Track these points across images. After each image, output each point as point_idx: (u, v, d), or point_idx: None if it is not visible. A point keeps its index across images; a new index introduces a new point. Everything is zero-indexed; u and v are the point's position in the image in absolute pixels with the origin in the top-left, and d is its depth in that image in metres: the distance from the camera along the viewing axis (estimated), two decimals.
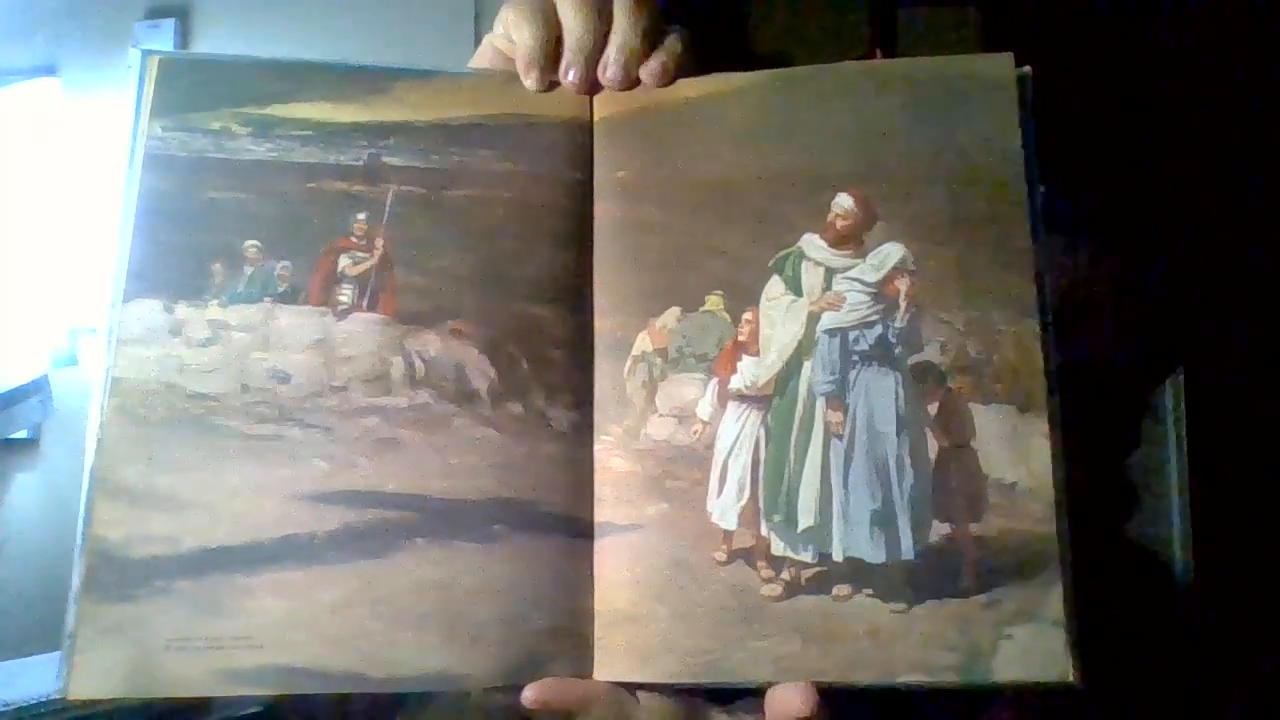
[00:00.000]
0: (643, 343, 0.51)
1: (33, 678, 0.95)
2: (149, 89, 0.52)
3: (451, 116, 0.54)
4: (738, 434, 0.50)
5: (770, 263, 0.51)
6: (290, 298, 0.51)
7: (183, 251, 0.51)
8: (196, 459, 0.48)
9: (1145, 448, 0.95)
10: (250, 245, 0.51)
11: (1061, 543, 0.47)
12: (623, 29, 0.53)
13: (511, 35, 0.55)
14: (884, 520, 0.48)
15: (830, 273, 0.51)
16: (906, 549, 0.48)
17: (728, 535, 0.49)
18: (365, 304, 0.52)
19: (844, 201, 0.52)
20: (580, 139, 0.54)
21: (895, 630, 0.46)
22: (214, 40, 1.71)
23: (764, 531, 0.49)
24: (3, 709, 0.88)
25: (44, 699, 0.90)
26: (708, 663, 0.47)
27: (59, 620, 0.46)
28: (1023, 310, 0.49)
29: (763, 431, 0.50)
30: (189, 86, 0.53)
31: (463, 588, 0.47)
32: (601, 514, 0.49)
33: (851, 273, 0.51)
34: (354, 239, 0.52)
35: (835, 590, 0.48)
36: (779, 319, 0.51)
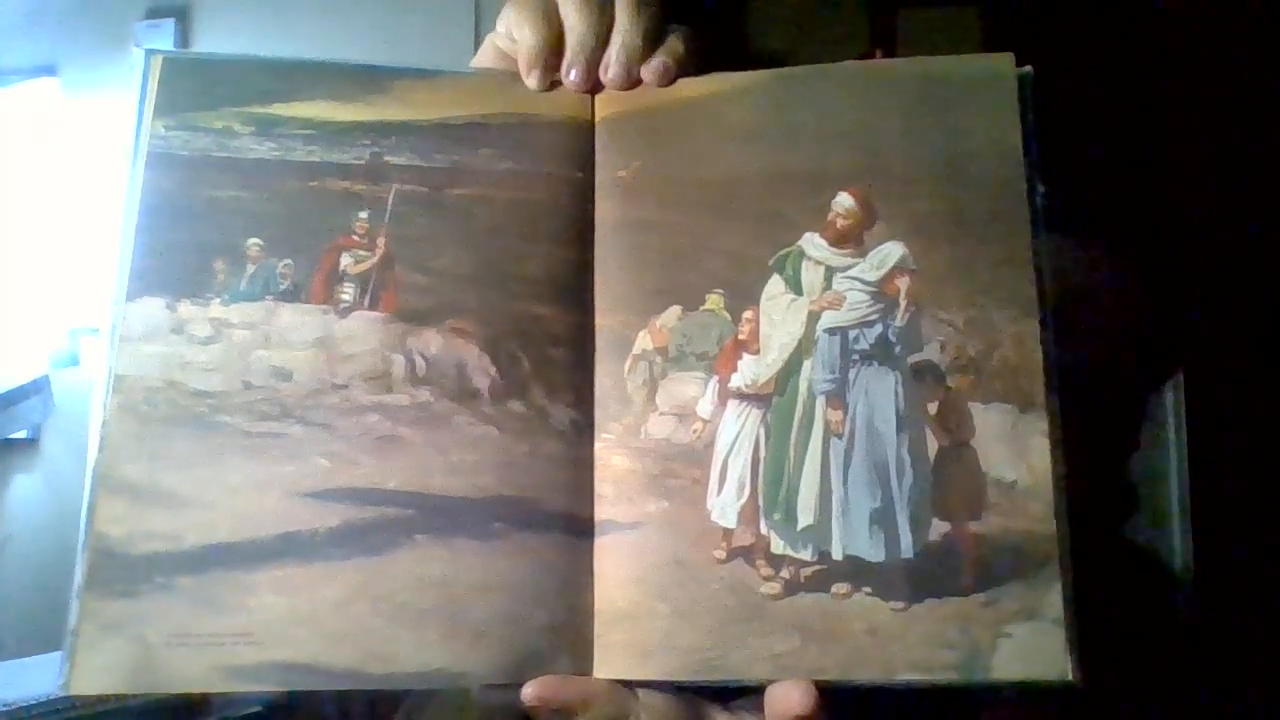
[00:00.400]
0: (643, 341, 0.51)
1: (33, 678, 0.95)
2: (152, 88, 0.53)
3: (453, 116, 0.54)
4: (738, 432, 0.50)
5: (770, 262, 0.52)
6: (292, 296, 0.51)
7: (185, 250, 0.51)
8: (198, 456, 0.48)
9: (1145, 448, 0.95)
10: (252, 243, 0.51)
11: (1061, 542, 0.47)
12: (624, 29, 0.53)
13: (513, 35, 0.55)
14: (883, 519, 0.48)
15: (830, 272, 0.51)
16: (906, 547, 0.48)
17: (728, 533, 0.49)
18: (367, 302, 0.52)
19: (844, 201, 0.52)
20: (581, 138, 0.54)
21: (894, 628, 0.47)
22: (214, 40, 1.71)
23: (764, 530, 0.49)
24: (3, 709, 0.88)
25: (44, 699, 0.90)
26: (707, 660, 0.47)
27: (59, 620, 0.46)
28: (1023, 309, 0.49)
29: (763, 430, 0.50)
30: (191, 86, 0.53)
31: (463, 585, 0.48)
32: (602, 512, 0.49)
33: (852, 272, 0.51)
34: (356, 237, 0.52)
35: (835, 588, 0.48)
36: (779, 318, 0.51)
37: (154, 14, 1.72)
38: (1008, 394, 0.49)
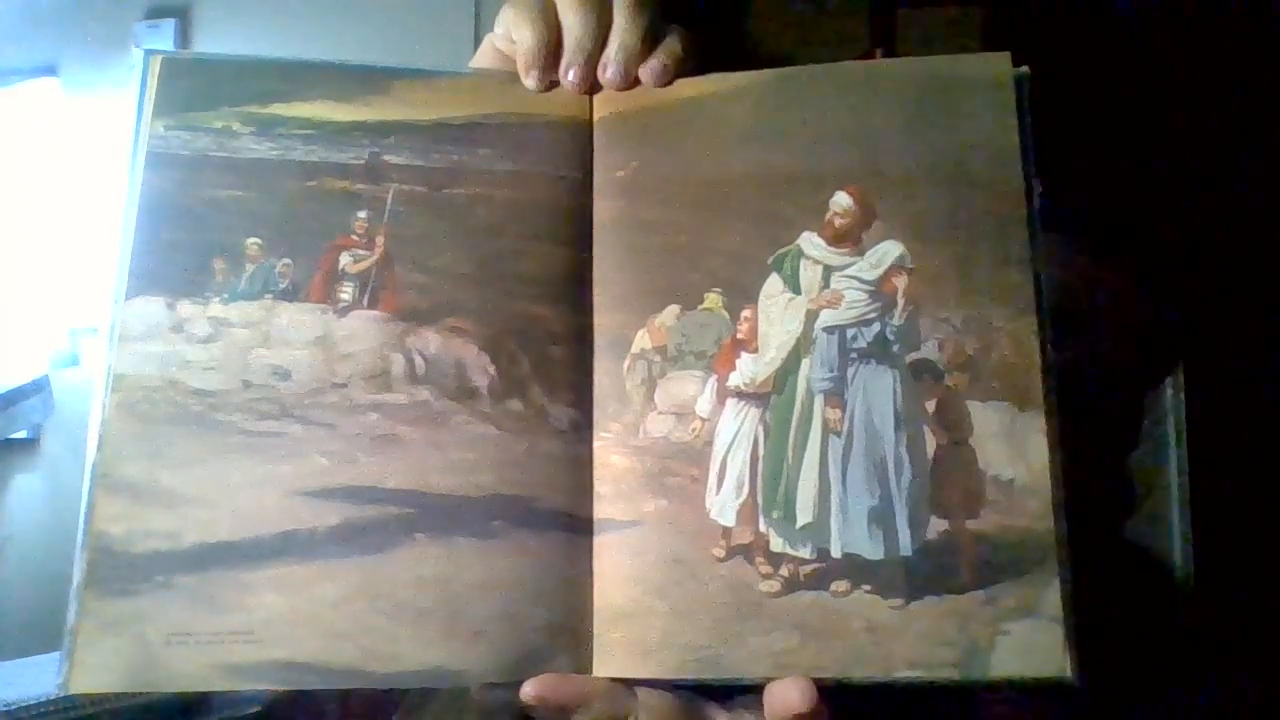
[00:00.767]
0: (642, 340, 0.51)
1: (33, 678, 0.95)
2: (151, 88, 0.53)
3: (452, 116, 0.54)
4: (736, 431, 0.50)
5: (769, 261, 0.52)
6: (291, 295, 0.52)
7: (185, 249, 0.51)
8: (198, 455, 0.48)
9: (1145, 447, 0.95)
10: (252, 243, 0.52)
11: (1059, 539, 0.47)
12: (622, 29, 0.54)
13: (512, 35, 0.55)
14: (882, 517, 0.48)
15: (828, 270, 0.51)
16: (905, 545, 0.48)
17: (726, 532, 0.49)
18: (366, 301, 0.52)
19: (842, 200, 0.52)
20: (580, 138, 0.54)
21: (893, 626, 0.47)
22: (213, 40, 1.71)
23: (762, 528, 0.49)
24: (3, 709, 0.89)
25: (44, 699, 0.90)
26: (706, 659, 0.47)
27: (59, 620, 0.46)
28: (1020, 308, 0.50)
29: (761, 428, 0.50)
30: (191, 86, 0.53)
31: (462, 583, 0.48)
32: (601, 510, 0.50)
33: (850, 270, 0.51)
34: (355, 237, 0.52)
35: (834, 586, 0.48)
36: (778, 316, 0.51)
37: (154, 14, 1.72)
38: (1006, 392, 0.49)
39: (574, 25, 0.54)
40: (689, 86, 0.54)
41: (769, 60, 0.55)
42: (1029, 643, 0.46)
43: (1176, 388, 0.93)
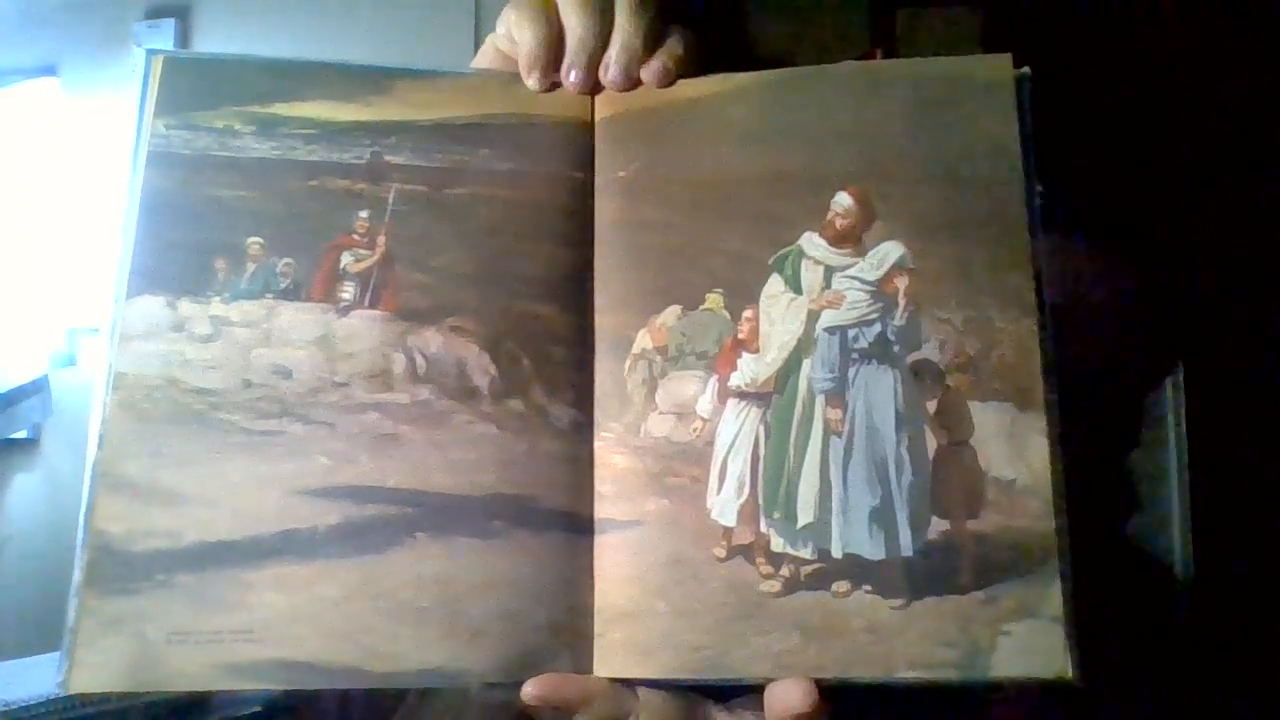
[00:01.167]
0: (643, 340, 0.52)
1: (33, 678, 0.95)
2: (153, 88, 0.53)
3: (453, 116, 0.54)
4: (737, 431, 0.50)
5: (770, 261, 0.52)
6: (292, 294, 0.52)
7: (186, 248, 0.51)
8: (198, 454, 0.48)
9: (1145, 447, 0.95)
10: (253, 242, 0.52)
11: (1060, 540, 0.47)
12: (624, 30, 0.54)
13: (514, 36, 0.55)
14: (883, 517, 0.48)
15: (830, 271, 0.51)
16: (905, 546, 0.48)
17: (727, 532, 0.49)
18: (367, 301, 0.52)
19: (843, 200, 0.52)
20: (581, 139, 0.54)
21: (894, 626, 0.47)
22: (214, 40, 1.71)
23: (763, 528, 0.49)
24: (3, 709, 0.88)
25: (44, 699, 0.90)
26: (707, 659, 0.47)
27: (59, 620, 0.46)
28: (1021, 309, 0.50)
29: (762, 429, 0.50)
30: (192, 85, 0.53)
31: (463, 583, 0.48)
32: (601, 510, 0.49)
33: (851, 271, 0.51)
34: (356, 236, 0.52)
35: (834, 587, 0.48)
36: (779, 317, 0.51)
37: (154, 14, 1.72)
38: (1006, 393, 0.49)
39: (576, 26, 0.54)
40: (690, 87, 0.54)
41: (769, 61, 0.55)
42: (1030, 643, 0.46)
43: (1176, 388, 0.94)
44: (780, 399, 0.50)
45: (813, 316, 0.51)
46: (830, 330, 0.51)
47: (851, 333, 0.51)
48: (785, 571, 0.48)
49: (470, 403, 0.51)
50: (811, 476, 0.49)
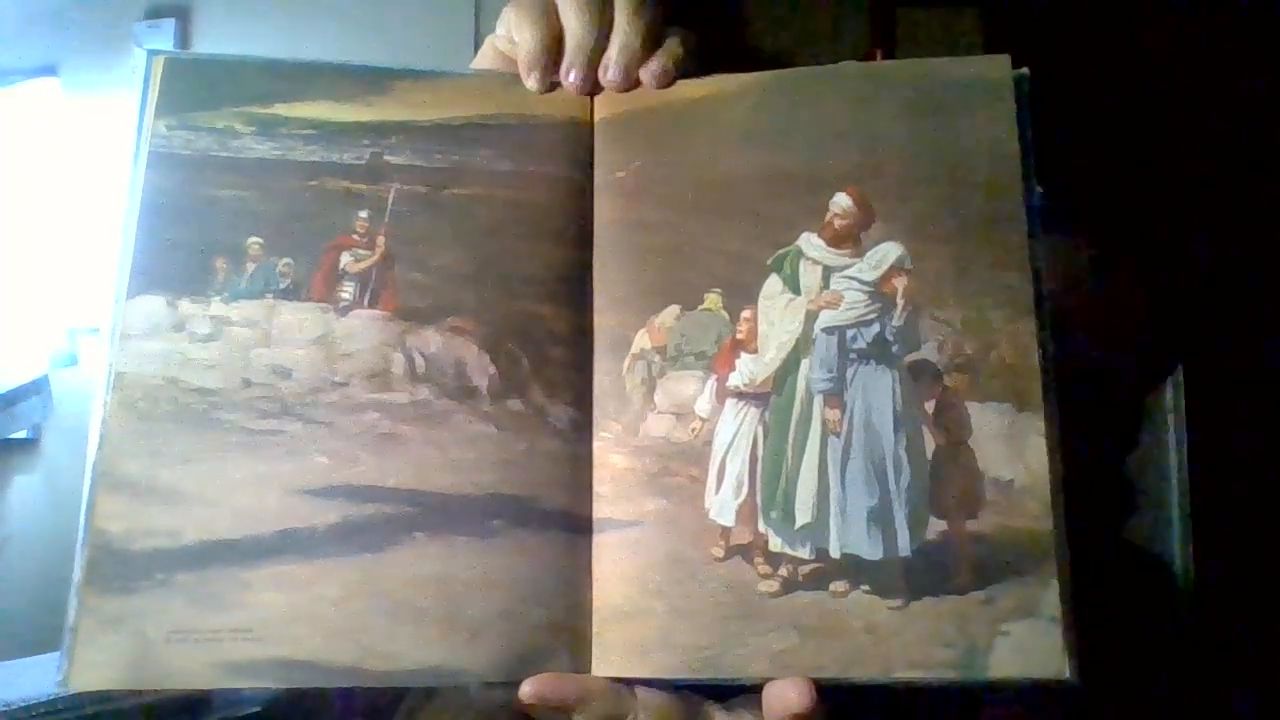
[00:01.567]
0: (642, 340, 0.52)
1: (33, 678, 0.95)
2: (153, 88, 0.53)
3: (453, 116, 0.54)
4: (736, 431, 0.50)
5: (769, 261, 0.52)
6: (292, 294, 0.52)
7: (186, 248, 0.51)
8: (198, 453, 0.48)
9: (1145, 447, 0.95)
10: (253, 242, 0.52)
11: (1058, 540, 0.47)
12: (623, 30, 0.54)
13: (513, 36, 0.55)
14: (881, 517, 0.48)
15: (828, 271, 0.51)
16: (904, 546, 0.48)
17: (725, 532, 0.49)
18: (366, 301, 0.52)
19: (842, 201, 0.52)
20: (581, 139, 0.54)
21: (892, 626, 0.47)
22: (214, 40, 1.72)
23: (762, 528, 0.49)
24: (3, 709, 0.88)
25: (44, 699, 0.90)
26: (706, 659, 0.47)
27: (59, 620, 0.46)
28: (1019, 309, 0.50)
29: (761, 428, 0.50)
30: (193, 86, 0.53)
31: (461, 582, 0.48)
32: (600, 510, 0.50)
33: (849, 271, 0.51)
34: (355, 236, 0.53)
35: (832, 586, 0.48)
36: (777, 317, 0.51)
37: (154, 14, 1.73)
38: (1005, 393, 0.49)
39: (575, 26, 0.54)
40: (690, 88, 0.54)
41: (769, 61, 0.56)
42: (1028, 643, 0.46)
43: (1176, 387, 0.94)
44: (779, 399, 0.50)
45: (811, 317, 0.51)
46: (829, 330, 0.51)
47: (850, 333, 0.51)
48: (783, 571, 0.48)
49: (469, 402, 0.51)
50: (810, 477, 0.49)
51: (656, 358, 0.51)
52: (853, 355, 0.50)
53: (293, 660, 0.46)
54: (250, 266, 0.52)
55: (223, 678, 0.45)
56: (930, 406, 0.50)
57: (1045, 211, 0.51)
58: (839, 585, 0.48)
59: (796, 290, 0.51)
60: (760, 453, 0.50)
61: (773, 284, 0.52)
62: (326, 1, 1.67)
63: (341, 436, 0.49)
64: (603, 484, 0.50)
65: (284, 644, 0.46)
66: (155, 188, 0.52)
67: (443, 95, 0.54)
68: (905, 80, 0.53)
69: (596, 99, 0.55)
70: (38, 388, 1.64)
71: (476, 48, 0.58)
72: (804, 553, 0.49)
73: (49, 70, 1.76)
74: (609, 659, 0.48)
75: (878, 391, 0.50)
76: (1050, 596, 0.46)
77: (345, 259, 0.52)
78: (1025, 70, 0.52)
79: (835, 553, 0.48)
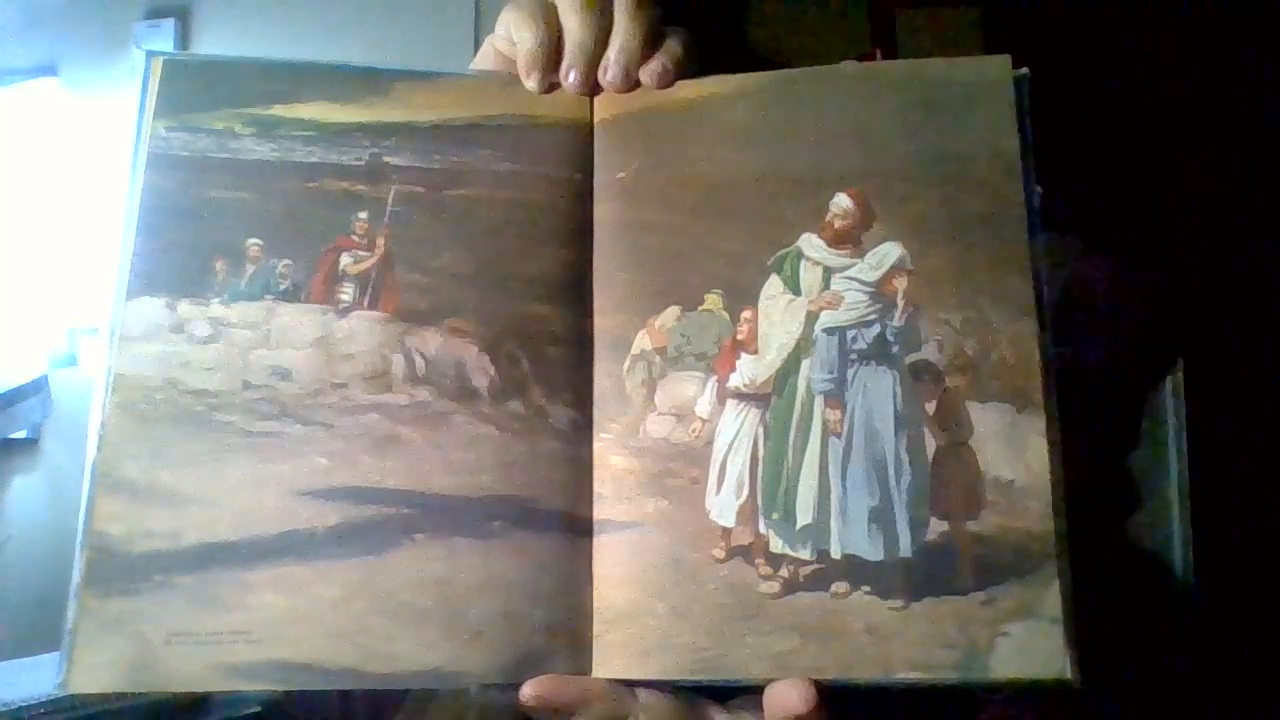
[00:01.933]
0: (642, 341, 0.52)
1: (33, 678, 0.95)
2: (153, 89, 0.53)
3: (453, 117, 0.54)
4: (736, 432, 0.50)
5: (769, 262, 0.52)
6: (292, 295, 0.52)
7: (185, 249, 0.51)
8: (198, 455, 0.48)
9: (1145, 447, 0.95)
10: (252, 243, 0.52)
11: (1059, 540, 0.47)
12: (623, 31, 0.54)
13: (513, 37, 0.55)
14: (882, 518, 0.48)
15: (828, 272, 0.51)
16: (904, 546, 0.48)
17: (726, 533, 0.49)
18: (366, 302, 0.52)
19: (842, 201, 0.52)
20: (580, 140, 0.54)
21: (893, 627, 0.47)
22: (213, 40, 1.71)
23: (762, 529, 0.49)
24: (3, 709, 0.88)
25: (44, 699, 0.90)
26: (706, 660, 0.47)
27: (59, 620, 0.46)
28: (1020, 309, 0.50)
29: (761, 429, 0.50)
30: (192, 87, 0.53)
31: (462, 584, 0.48)
32: (600, 511, 0.50)
33: (850, 272, 0.51)
34: (355, 238, 0.53)
35: (833, 587, 0.48)
36: (778, 318, 0.51)
37: (154, 14, 1.72)
38: (1005, 394, 0.49)
39: (575, 27, 0.54)
40: (689, 88, 0.54)
41: (769, 61, 0.56)
42: (1029, 644, 0.46)
43: (1176, 387, 0.94)
44: (779, 400, 0.50)
45: (811, 317, 0.51)
46: (829, 331, 0.51)
47: (850, 334, 0.51)
48: (784, 572, 0.48)
49: (469, 404, 0.51)
50: (810, 477, 0.49)
51: (657, 358, 0.51)
52: (853, 356, 0.50)
53: (293, 662, 0.46)
54: (250, 268, 0.51)
55: (223, 680, 0.45)
56: (931, 407, 0.50)
57: (1046, 210, 0.51)
58: (840, 586, 0.48)
59: (797, 291, 0.51)
60: (761, 454, 0.50)
61: (773, 285, 0.51)
62: (326, 1, 1.67)
63: (341, 438, 0.49)
64: (603, 485, 0.50)
65: (284, 646, 0.46)
66: (154, 189, 0.52)
67: (442, 96, 0.54)
68: (905, 80, 0.53)
69: (596, 99, 0.55)
70: (37, 388, 1.64)
71: (476, 48, 0.58)
72: (805, 554, 0.48)
73: (49, 70, 1.76)
74: (610, 660, 0.48)
75: (878, 392, 0.50)
76: (1051, 597, 0.46)
77: (345, 260, 0.52)
78: (1025, 70, 0.52)
79: (836, 554, 0.48)
